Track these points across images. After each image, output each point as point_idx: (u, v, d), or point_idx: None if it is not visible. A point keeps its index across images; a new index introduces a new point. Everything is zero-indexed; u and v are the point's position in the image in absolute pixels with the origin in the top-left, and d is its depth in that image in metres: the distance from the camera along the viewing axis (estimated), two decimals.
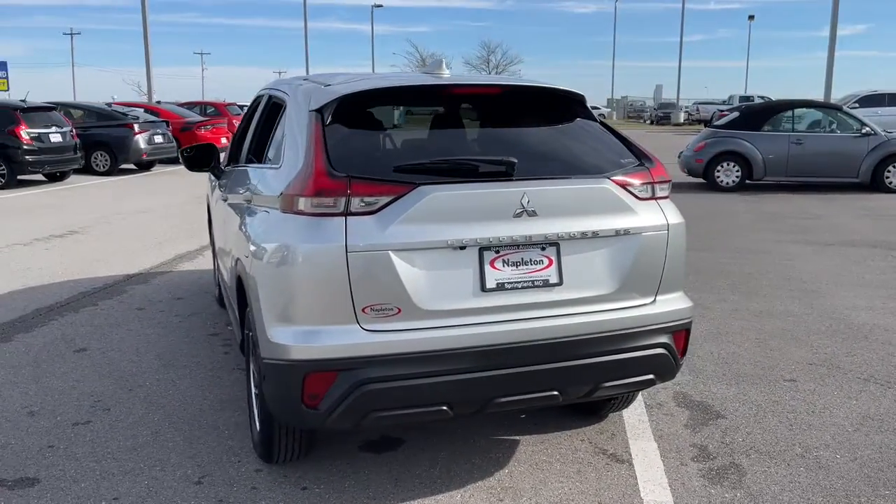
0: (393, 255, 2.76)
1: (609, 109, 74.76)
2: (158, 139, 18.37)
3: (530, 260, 2.95)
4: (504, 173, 2.94)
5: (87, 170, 17.36)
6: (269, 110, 3.99)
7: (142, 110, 20.43)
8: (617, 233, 3.05)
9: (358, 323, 2.78)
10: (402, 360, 2.79)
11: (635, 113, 75.12)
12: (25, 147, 14.32)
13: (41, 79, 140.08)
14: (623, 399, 3.86)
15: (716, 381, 4.55)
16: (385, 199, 2.79)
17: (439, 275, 2.84)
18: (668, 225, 3.17)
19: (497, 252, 2.91)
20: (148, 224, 10.57)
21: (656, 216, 3.16)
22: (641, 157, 3.29)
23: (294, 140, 3.12)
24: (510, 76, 5.15)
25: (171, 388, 4.41)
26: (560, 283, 2.98)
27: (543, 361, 2.95)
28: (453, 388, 2.87)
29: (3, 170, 14.28)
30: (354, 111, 3.15)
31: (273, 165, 3.35)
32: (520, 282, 2.93)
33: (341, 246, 2.72)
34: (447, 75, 3.49)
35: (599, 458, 3.58)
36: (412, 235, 2.78)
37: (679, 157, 15.14)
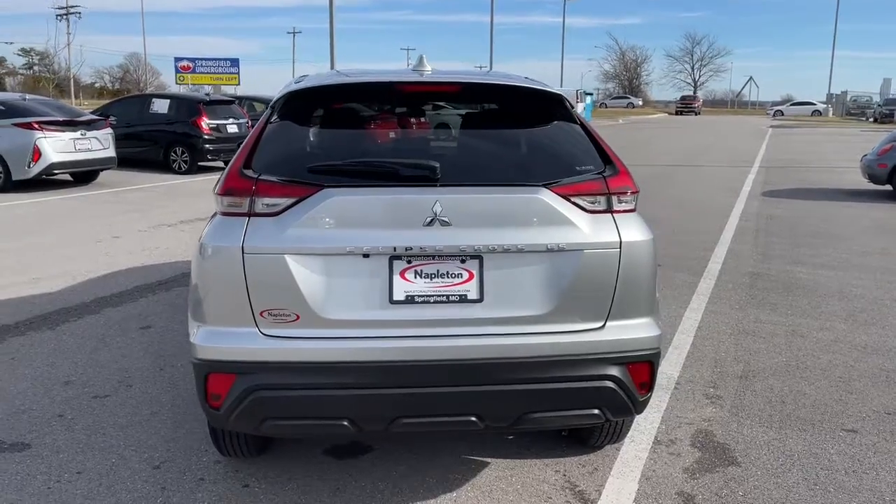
0: (289, 259, 2.66)
1: (826, 105, 68.21)
2: None
3: (447, 273, 2.72)
4: (424, 178, 2.74)
5: None
6: None
7: None
8: (549, 249, 2.72)
9: (257, 327, 2.72)
10: (298, 368, 2.69)
11: (858, 109, 67.73)
12: (205, 137, 15.73)
13: (268, 74, 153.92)
14: (614, 430, 3.47)
15: (757, 422, 3.96)
16: (288, 202, 2.70)
17: (341, 283, 2.70)
18: (620, 242, 2.78)
19: (409, 262, 2.71)
20: None
21: (606, 232, 2.79)
22: (606, 165, 2.92)
23: None
24: (491, 73, 4.15)
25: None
26: (480, 300, 2.72)
27: (457, 383, 2.71)
28: (353, 404, 2.72)
29: (186, 156, 15.80)
30: (302, 109, 3.08)
31: None
32: (432, 295, 2.71)
33: (238, 247, 2.67)
34: (429, 72, 3.31)
35: (562, 494, 3.24)
36: (311, 240, 2.67)
37: (861, 161, 13.43)
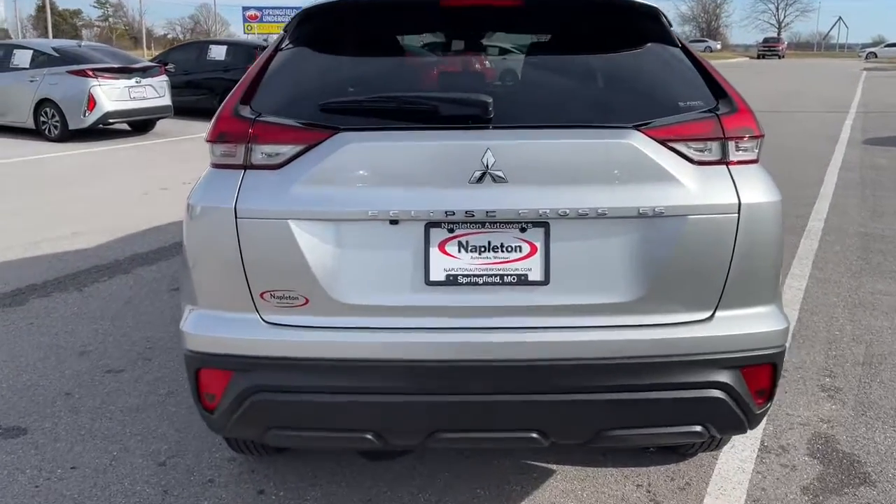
0: (295, 226, 2.03)
1: None
2: None
3: (501, 245, 2.05)
4: (471, 119, 2.05)
5: None
6: None
7: None
8: (640, 213, 2.01)
9: (257, 312, 2.12)
10: (307, 366, 2.09)
11: None
12: None
13: None
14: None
15: (892, 424, 3.19)
16: (293, 150, 2.06)
17: (362, 257, 2.06)
18: (738, 204, 2.05)
19: (451, 231, 2.05)
20: None
21: (720, 190, 2.05)
22: (719, 99, 2.16)
23: None
24: None
25: None
26: (545, 282, 2.04)
27: (514, 390, 2.07)
28: (378, 413, 2.11)
29: None
30: (320, 31, 2.41)
31: None
32: (482, 275, 2.05)
33: (230, 208, 2.06)
34: None
35: None
36: (322, 200, 2.03)
37: None
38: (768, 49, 69.05)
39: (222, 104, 2.22)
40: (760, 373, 2.15)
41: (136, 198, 7.90)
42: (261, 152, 2.08)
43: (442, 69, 2.53)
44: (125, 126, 13.14)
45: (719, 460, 2.91)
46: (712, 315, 2.10)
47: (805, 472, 2.85)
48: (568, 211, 2.00)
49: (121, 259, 5.66)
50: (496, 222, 2.03)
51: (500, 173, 1.99)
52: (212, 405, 2.22)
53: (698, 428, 2.14)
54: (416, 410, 2.09)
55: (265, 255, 2.06)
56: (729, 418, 2.14)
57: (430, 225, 2.03)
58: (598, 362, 2.04)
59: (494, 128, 2.04)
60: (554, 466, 2.88)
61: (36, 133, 12.19)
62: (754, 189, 2.07)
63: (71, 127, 11.79)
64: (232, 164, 2.11)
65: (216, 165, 2.16)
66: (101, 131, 12.55)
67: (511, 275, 2.04)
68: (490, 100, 2.04)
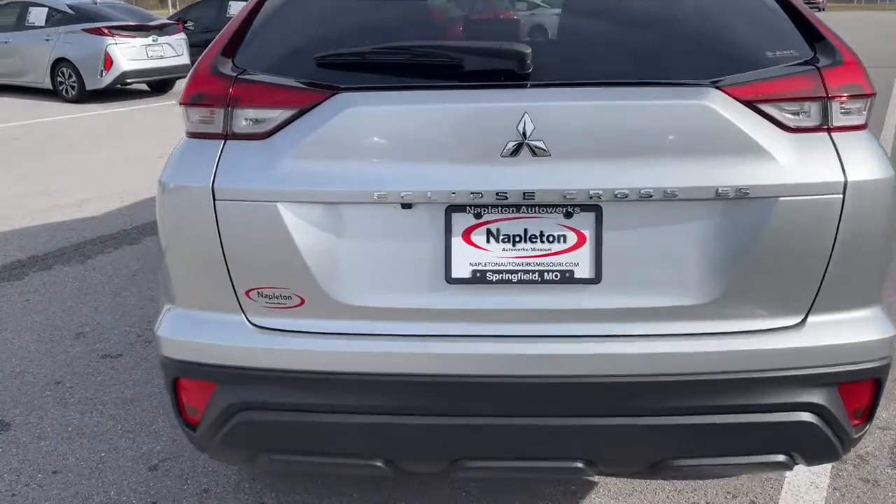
0: (285, 210, 1.64)
1: None
2: None
3: (541, 234, 1.64)
4: (504, 75, 1.63)
5: None
6: None
7: None
8: (719, 194, 1.59)
9: (243, 313, 1.75)
10: (303, 380, 1.72)
11: None
12: None
13: None
14: None
15: None
16: (283, 115, 1.67)
17: (369, 249, 1.67)
18: (844, 183, 1.61)
19: (477, 217, 1.65)
20: None
21: (821, 164, 1.62)
22: (818, 50, 1.71)
23: None
24: None
25: None
26: (595, 279, 1.64)
27: (553, 412, 1.68)
28: (389, 436, 1.74)
29: None
30: None
31: None
32: (516, 271, 1.65)
33: (206, 187, 1.67)
34: None
35: None
36: (318, 178, 1.63)
37: None
38: (807, 2, 66.53)
39: (199, 59, 1.82)
40: (860, 390, 1.74)
41: (152, 162, 7.56)
42: (244, 118, 1.68)
43: (466, 14, 2.10)
44: (143, 86, 12.80)
45: (788, 474, 2.51)
46: (803, 321, 1.68)
47: (891, 488, 2.44)
48: (626, 191, 1.58)
49: (129, 228, 5.34)
50: (535, 206, 1.62)
51: (540, 144, 1.57)
52: (194, 420, 1.87)
53: (781, 458, 1.74)
54: (436, 435, 1.72)
55: (250, 244, 1.68)
56: (820, 445, 1.74)
57: (453, 209, 1.63)
58: (660, 379, 1.64)
59: (533, 86, 1.62)
60: (596, 478, 2.50)
61: (53, 94, 11.89)
62: (863, 163, 1.63)
63: (88, 87, 11.47)
64: (209, 132, 1.72)
65: (191, 135, 1.77)
66: (118, 91, 12.22)
67: (552, 271, 1.64)
68: (528, 50, 1.61)
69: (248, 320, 1.75)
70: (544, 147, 1.57)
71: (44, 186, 6.52)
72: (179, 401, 1.87)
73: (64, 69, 11.57)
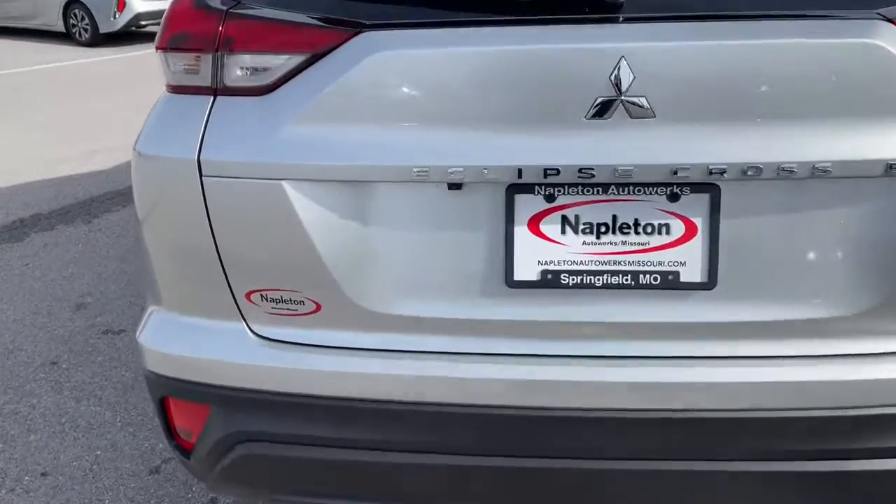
0: (294, 190, 1.24)
1: None
2: None
3: (636, 223, 1.22)
4: (586, 3, 1.18)
5: None
6: None
7: None
8: (891, 170, 1.15)
9: (243, 320, 1.36)
10: (321, 407, 1.34)
11: None
12: None
13: None
14: None
15: None
16: (290, 62, 1.24)
17: (404, 241, 1.26)
18: None
19: (550, 199, 1.23)
20: None
21: None
22: None
23: None
24: None
25: None
26: (709, 284, 1.22)
27: (653, 455, 1.29)
28: (431, 480, 1.37)
29: None
30: None
31: None
32: (602, 272, 1.23)
33: (191, 160, 1.27)
34: None
35: None
36: (337, 148, 1.22)
37: None
38: None
39: None
40: None
41: None
42: (239, 67, 1.26)
43: None
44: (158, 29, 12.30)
45: None
46: None
47: None
48: (759, 165, 1.15)
49: None
50: (629, 185, 1.20)
51: (641, 101, 1.14)
52: (188, 443, 1.51)
53: None
54: (490, 480, 1.34)
55: (249, 234, 1.29)
56: None
57: (516, 189, 1.22)
58: (797, 414, 1.23)
59: (632, 20, 1.18)
60: None
61: (66, 37, 11.46)
62: None
63: (101, 30, 11.03)
64: (194, 86, 1.31)
65: (172, 89, 1.36)
66: (132, 35, 11.74)
67: (650, 272, 1.23)
68: None
69: (251, 329, 1.36)
70: (647, 105, 1.14)
71: (54, 136, 6.16)
72: (169, 422, 1.51)
73: (76, 11, 11.12)
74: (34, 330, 3.12)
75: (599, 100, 1.15)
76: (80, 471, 2.30)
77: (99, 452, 2.38)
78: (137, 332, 1.50)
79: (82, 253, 3.87)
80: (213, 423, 1.41)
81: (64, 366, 2.86)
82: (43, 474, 2.29)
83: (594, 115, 1.15)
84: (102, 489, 2.22)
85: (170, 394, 1.45)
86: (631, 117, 1.15)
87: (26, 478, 2.28)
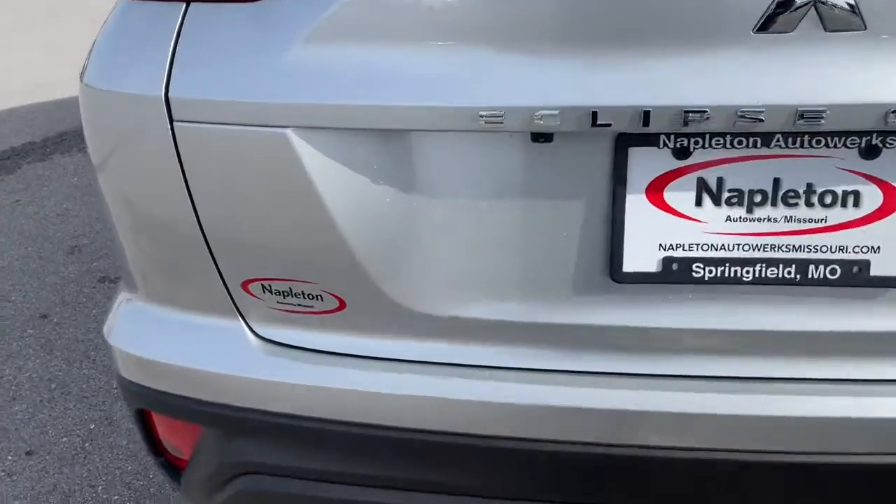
0: (302, 142, 0.84)
1: None
2: None
3: (807, 191, 0.82)
4: None
5: None
6: None
7: None
8: None
9: (240, 317, 1.00)
10: (345, 435, 0.99)
11: None
12: None
13: None
14: None
15: None
16: None
17: (464, 216, 0.87)
18: None
19: (682, 155, 0.82)
20: None
21: None
22: None
23: None
24: None
25: None
26: None
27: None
28: None
29: None
30: None
31: None
32: (753, 260, 0.84)
33: (155, 97, 0.87)
34: None
35: None
36: (365, 82, 0.82)
37: None
38: None
39: None
40: None
41: None
42: None
43: None
44: None
45: None
46: None
47: None
48: None
49: None
50: (807, 134, 0.80)
51: (844, 1, 0.73)
52: (179, 461, 1.18)
53: None
54: None
55: (242, 203, 0.90)
56: None
57: (631, 140, 0.82)
58: None
59: None
60: None
61: None
62: None
63: None
64: None
65: None
66: None
67: (828, 261, 0.84)
68: None
69: (250, 329, 1.00)
70: (854, 9, 0.72)
71: (57, 58, 5.71)
72: (153, 436, 1.18)
73: None
74: (24, 277, 2.80)
75: (772, 5, 0.73)
76: (71, 449, 2.00)
77: (92, 426, 2.08)
78: (105, 326, 1.15)
79: (77, 187, 3.52)
80: (208, 448, 1.07)
81: (55, 320, 2.54)
82: (28, 453, 2.00)
83: (765, 28, 0.74)
84: (95, 473, 1.92)
85: (149, 407, 1.11)
86: (826, 30, 0.73)
87: (9, 458, 1.99)
